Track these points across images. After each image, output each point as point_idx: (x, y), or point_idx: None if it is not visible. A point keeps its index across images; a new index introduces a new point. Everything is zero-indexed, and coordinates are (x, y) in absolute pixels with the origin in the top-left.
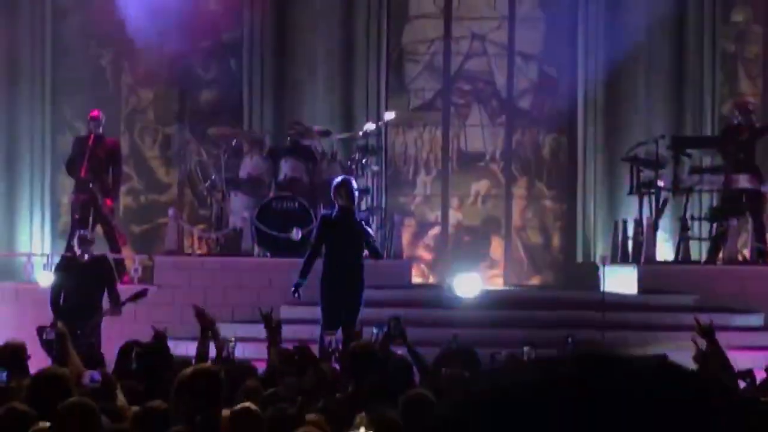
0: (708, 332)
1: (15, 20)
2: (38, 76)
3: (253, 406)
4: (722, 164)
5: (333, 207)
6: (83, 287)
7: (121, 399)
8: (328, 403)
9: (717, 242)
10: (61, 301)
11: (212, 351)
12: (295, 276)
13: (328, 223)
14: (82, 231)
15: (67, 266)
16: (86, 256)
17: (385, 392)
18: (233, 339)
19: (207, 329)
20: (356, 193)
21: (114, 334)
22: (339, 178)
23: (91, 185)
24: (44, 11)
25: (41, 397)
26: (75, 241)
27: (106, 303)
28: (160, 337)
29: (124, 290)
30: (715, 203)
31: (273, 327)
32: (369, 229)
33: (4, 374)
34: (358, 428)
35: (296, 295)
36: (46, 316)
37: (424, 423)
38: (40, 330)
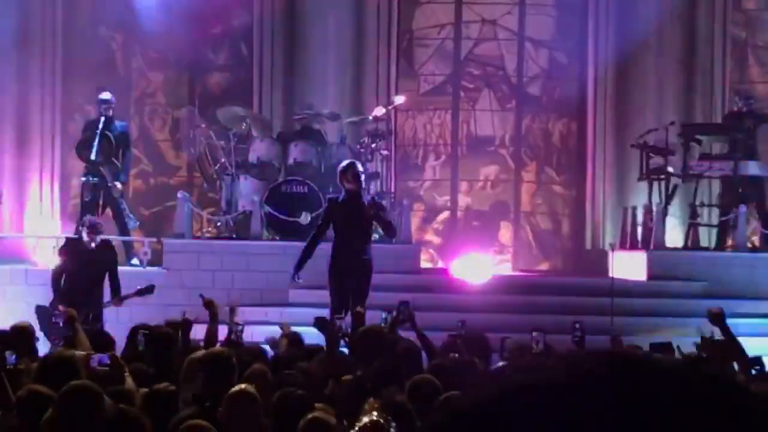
0: (719, 319)
1: (25, 3)
2: (49, 59)
3: (250, 388)
4: (731, 151)
5: (340, 191)
6: (85, 272)
7: (129, 382)
8: (336, 388)
9: (724, 229)
10: (63, 284)
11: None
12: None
13: (335, 206)
14: (92, 218)
15: (70, 249)
16: (92, 243)
17: (393, 377)
18: (241, 323)
19: (216, 314)
20: (363, 177)
21: (123, 318)
22: (345, 162)
23: (101, 168)
24: None
25: (50, 380)
26: (83, 227)
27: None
28: (186, 324)
29: (134, 273)
30: (723, 190)
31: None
32: (383, 205)
33: (13, 356)
34: (370, 413)
35: (296, 278)
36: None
37: (435, 412)
38: (40, 309)
